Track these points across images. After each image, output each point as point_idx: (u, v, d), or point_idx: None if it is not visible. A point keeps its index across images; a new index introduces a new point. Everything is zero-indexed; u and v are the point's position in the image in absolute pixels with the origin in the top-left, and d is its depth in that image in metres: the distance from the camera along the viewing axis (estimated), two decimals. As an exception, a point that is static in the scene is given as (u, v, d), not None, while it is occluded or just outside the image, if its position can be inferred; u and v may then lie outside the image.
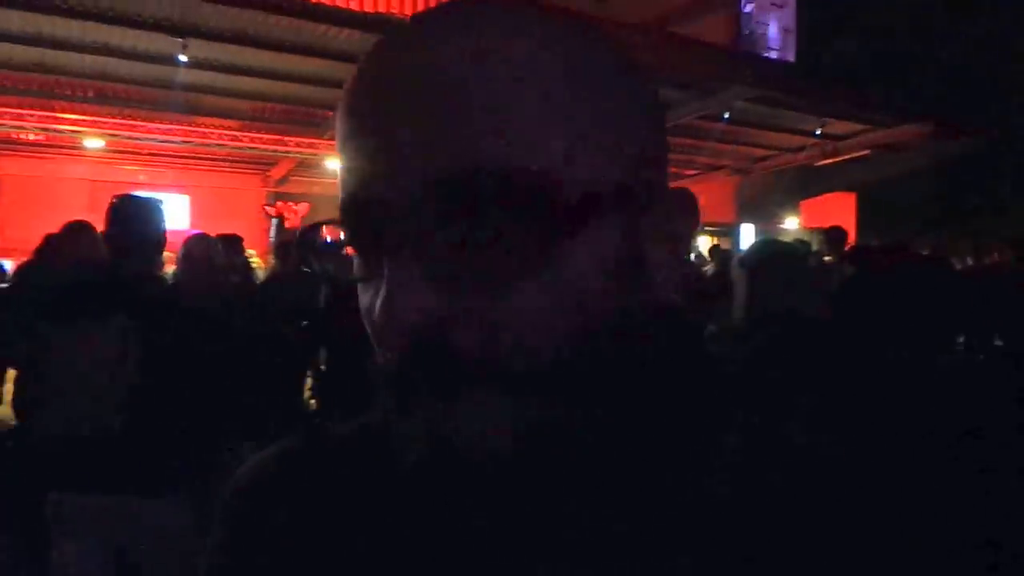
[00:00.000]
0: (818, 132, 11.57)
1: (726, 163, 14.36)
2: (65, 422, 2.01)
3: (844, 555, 0.36)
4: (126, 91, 9.38)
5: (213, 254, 3.15)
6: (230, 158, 12.98)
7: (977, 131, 12.37)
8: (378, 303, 0.36)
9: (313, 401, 4.75)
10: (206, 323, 2.26)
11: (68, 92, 9.38)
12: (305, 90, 8.79)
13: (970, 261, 7.89)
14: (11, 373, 3.08)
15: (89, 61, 8.14)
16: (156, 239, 2.20)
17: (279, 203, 14.16)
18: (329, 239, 0.42)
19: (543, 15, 0.38)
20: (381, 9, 6.44)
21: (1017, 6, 13.30)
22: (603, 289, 0.36)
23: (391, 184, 0.35)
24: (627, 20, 8.92)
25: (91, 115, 9.88)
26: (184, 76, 8.27)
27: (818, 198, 16.54)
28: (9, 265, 6.10)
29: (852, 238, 8.30)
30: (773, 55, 13.02)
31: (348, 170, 0.38)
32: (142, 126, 10.16)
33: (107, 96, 9.53)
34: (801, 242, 7.34)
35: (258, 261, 6.85)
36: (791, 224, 17.10)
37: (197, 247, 3.13)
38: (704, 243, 15.75)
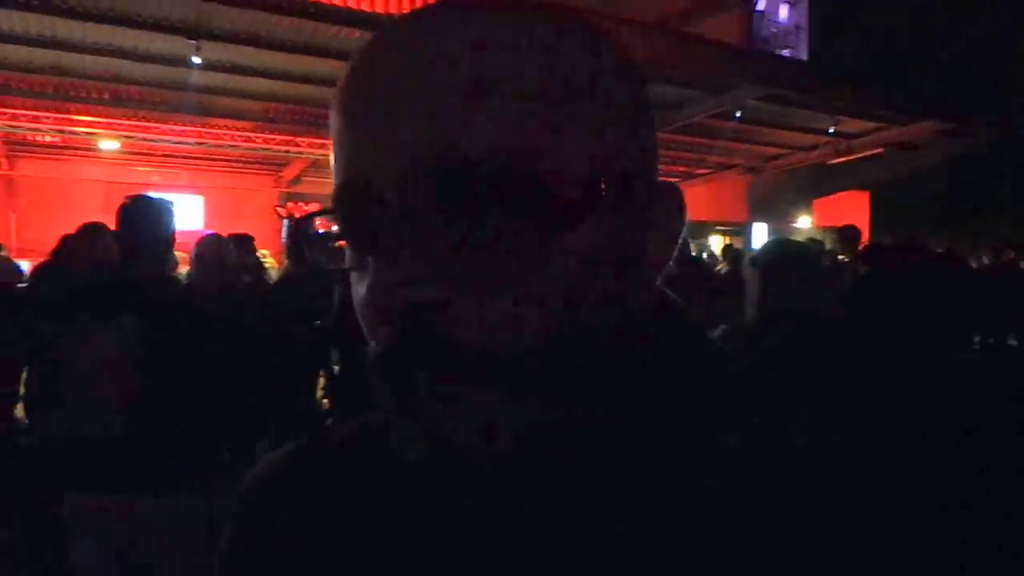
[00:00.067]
0: (831, 130, 11.50)
1: (738, 162, 14.29)
2: (74, 422, 2.03)
3: (844, 555, 0.35)
4: (140, 93, 9.47)
5: (225, 254, 3.18)
6: (243, 159, 13.08)
7: (990, 128, 12.24)
8: (366, 292, 0.36)
9: (326, 401, 4.77)
10: (216, 323, 2.28)
11: (83, 94, 9.48)
12: (317, 91, 8.82)
13: (986, 260, 7.81)
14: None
15: (104, 64, 8.22)
16: (166, 240, 2.21)
17: (290, 203, 14.24)
18: (322, 230, 0.42)
19: (536, 13, 0.38)
20: (392, 10, 6.47)
21: (1018, 6, 13.18)
22: (595, 285, 0.36)
23: (382, 175, 0.35)
24: (638, 18, 8.89)
25: (106, 117, 9.98)
26: (197, 78, 8.33)
27: (831, 197, 16.44)
28: (26, 266, 6.16)
29: (866, 237, 8.24)
30: (785, 53, 12.95)
31: (340, 162, 0.38)
32: (156, 128, 10.25)
33: (122, 98, 9.63)
34: (814, 241, 7.30)
35: (271, 261, 6.89)
36: (804, 223, 17.01)
37: (209, 247, 3.16)
38: (716, 242, 15.70)
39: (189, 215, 12.27)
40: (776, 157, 14.00)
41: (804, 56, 13.58)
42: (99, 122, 9.94)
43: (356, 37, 7.18)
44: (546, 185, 0.34)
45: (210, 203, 14.09)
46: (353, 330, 0.39)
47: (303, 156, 12.28)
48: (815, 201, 17.02)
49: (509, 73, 0.35)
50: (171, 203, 2.31)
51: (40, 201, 12.60)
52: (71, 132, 10.18)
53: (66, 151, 12.35)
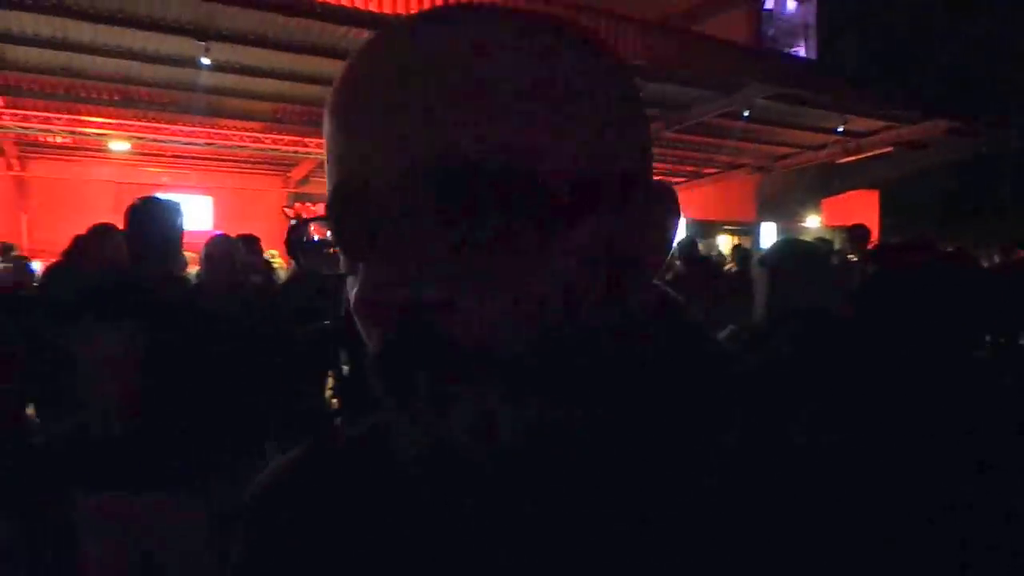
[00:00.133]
0: (840, 129, 11.43)
1: (746, 161, 14.23)
2: (84, 422, 2.05)
3: (844, 555, 0.35)
4: (150, 94, 9.51)
5: (234, 254, 3.19)
6: (252, 160, 13.12)
7: (999, 127, 12.14)
8: (362, 291, 0.36)
9: (335, 400, 4.79)
10: (224, 324, 2.29)
11: (94, 96, 9.54)
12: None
13: (997, 259, 7.75)
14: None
15: (114, 65, 8.27)
16: (175, 240, 2.23)
17: (297, 204, 14.28)
18: (316, 237, 0.43)
19: (534, 18, 0.38)
20: (400, 10, 6.48)
21: (1018, 7, 13.09)
22: (594, 284, 0.37)
23: (380, 176, 0.35)
24: (646, 17, 8.88)
25: (116, 118, 10.03)
26: (207, 79, 8.37)
27: (840, 196, 16.35)
28: (37, 266, 6.21)
29: (875, 236, 8.19)
30: (794, 52, 12.90)
31: (334, 165, 0.39)
32: (166, 129, 10.30)
33: (132, 99, 9.68)
34: (823, 240, 7.25)
35: (280, 262, 6.91)
36: (813, 222, 16.92)
37: (218, 248, 3.17)
38: (724, 242, 15.65)
39: (198, 216, 12.32)
40: (785, 156, 13.93)
41: (813, 55, 13.52)
42: (109, 123, 10.00)
43: (364, 37, 7.16)
44: (545, 185, 0.35)
45: (219, 203, 14.14)
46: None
47: (311, 156, 12.31)
48: (824, 200, 16.93)
49: (508, 74, 0.35)
50: (180, 204, 2.32)
51: (51, 201, 12.68)
52: (82, 133, 10.24)
53: (77, 152, 12.43)
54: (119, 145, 11.19)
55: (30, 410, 3.13)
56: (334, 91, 0.39)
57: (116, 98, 9.62)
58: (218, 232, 3.52)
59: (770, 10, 14.51)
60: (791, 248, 2.06)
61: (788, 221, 16.31)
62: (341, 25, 7.05)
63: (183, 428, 2.01)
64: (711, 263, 5.86)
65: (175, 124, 10.31)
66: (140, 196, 2.30)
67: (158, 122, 10.24)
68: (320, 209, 0.40)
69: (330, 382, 4.65)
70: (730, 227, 16.95)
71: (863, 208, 15.92)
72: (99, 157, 12.54)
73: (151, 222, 2.18)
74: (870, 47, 13.12)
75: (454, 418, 0.36)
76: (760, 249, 9.94)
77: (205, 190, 14.05)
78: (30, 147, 12.29)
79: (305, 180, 14.40)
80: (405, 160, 0.35)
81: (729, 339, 2.08)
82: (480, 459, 0.37)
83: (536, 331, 0.35)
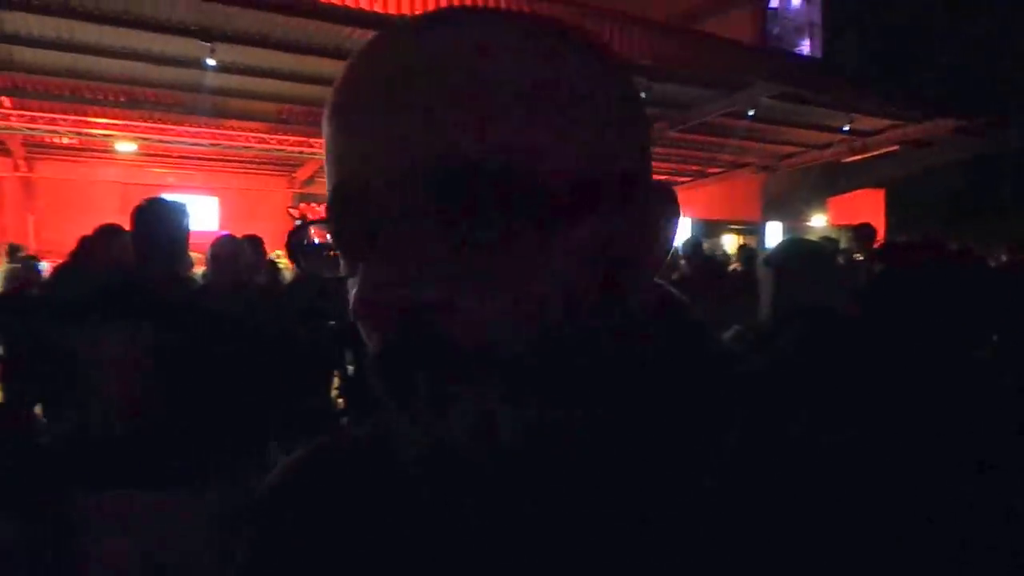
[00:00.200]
0: (846, 128, 11.39)
1: (751, 160, 14.20)
2: (90, 422, 2.06)
3: (845, 555, 0.35)
4: (156, 95, 9.55)
5: (240, 255, 3.20)
6: (257, 160, 13.16)
7: (1000, 126, 12.07)
8: (361, 292, 0.36)
9: (341, 400, 4.80)
10: (228, 324, 2.30)
11: (100, 97, 9.58)
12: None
13: (1004, 258, 7.71)
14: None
15: (119, 66, 8.30)
16: (180, 241, 2.24)
17: (302, 205, 14.32)
18: (316, 240, 0.43)
19: (535, 20, 0.39)
20: (404, 11, 6.49)
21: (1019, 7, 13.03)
22: (594, 284, 0.37)
23: (380, 176, 0.35)
24: (651, 17, 8.87)
25: (122, 119, 10.07)
26: (212, 80, 8.39)
27: (846, 195, 16.29)
28: (44, 266, 6.24)
29: (881, 235, 8.16)
30: (799, 50, 12.86)
31: (334, 166, 0.39)
32: (172, 129, 10.34)
33: (138, 100, 9.72)
34: (828, 240, 7.24)
35: (285, 262, 6.93)
36: (818, 221, 16.87)
37: (224, 248, 3.18)
38: (729, 241, 15.62)
39: (204, 216, 12.36)
40: (790, 156, 13.90)
41: (818, 52, 13.49)
42: (115, 124, 10.04)
43: (369, 38, 7.21)
44: (545, 186, 0.35)
45: (224, 204, 14.18)
46: (366, 330, 0.39)
47: (316, 157, 12.32)
48: (830, 199, 16.87)
49: (509, 75, 0.35)
50: (185, 205, 2.33)
51: (58, 202, 12.74)
52: (88, 134, 10.28)
53: (83, 153, 12.48)
54: (125, 146, 11.24)
55: (37, 409, 3.15)
56: (334, 92, 0.39)
57: (122, 99, 9.66)
58: (224, 233, 3.53)
59: (775, 8, 14.48)
60: (796, 248, 2.06)
61: (793, 220, 16.27)
62: (346, 26, 7.06)
63: (186, 428, 2.02)
64: (716, 263, 5.85)
65: (181, 125, 10.34)
66: (146, 197, 2.31)
67: (164, 123, 10.27)
68: (324, 211, 0.40)
69: (336, 382, 4.66)
70: (735, 227, 16.92)
71: (869, 207, 15.87)
72: (105, 158, 12.59)
73: (157, 223, 2.18)
74: (875, 46, 13.08)
75: (454, 418, 0.36)
76: (765, 249, 9.92)
77: (210, 191, 14.09)
78: (37, 148, 12.35)
79: (310, 180, 14.43)
80: (405, 160, 0.35)
81: (734, 339, 2.08)
82: (480, 459, 0.37)
83: (536, 331, 0.35)
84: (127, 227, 2.29)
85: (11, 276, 6.15)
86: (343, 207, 0.38)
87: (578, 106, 0.37)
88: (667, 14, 10.25)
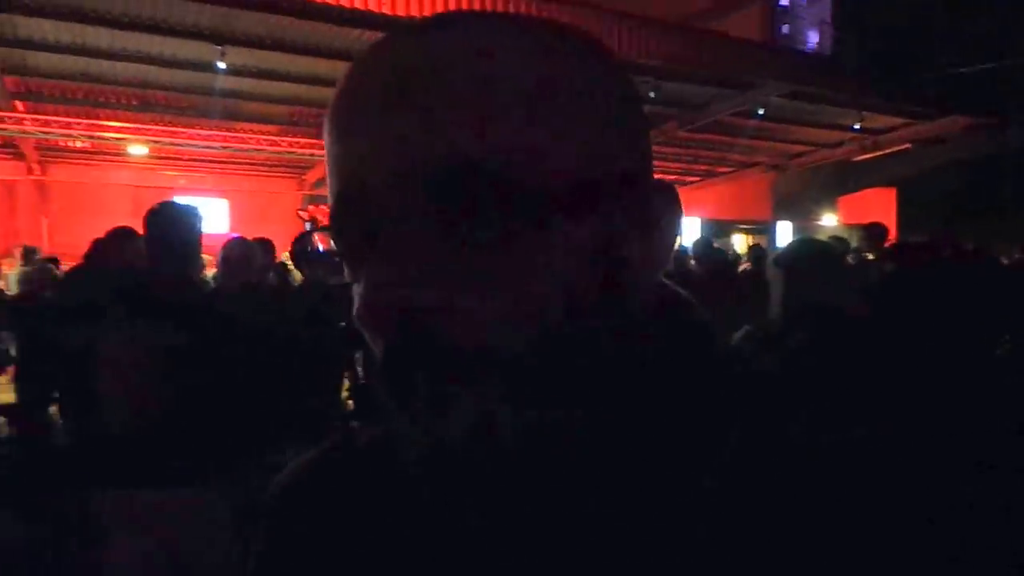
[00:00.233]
0: (857, 127, 11.32)
1: (761, 160, 14.14)
2: (104, 422, 2.08)
3: (845, 557, 0.35)
4: (167, 98, 9.62)
5: (250, 258, 3.22)
6: (267, 162, 13.22)
7: (1001, 127, 11.94)
8: (363, 295, 0.37)
9: (351, 402, 4.81)
10: (240, 326, 2.32)
11: (112, 100, 9.66)
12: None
13: (1017, 255, 7.64)
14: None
15: (132, 70, 8.37)
16: (193, 244, 2.26)
17: (311, 207, 14.37)
18: (321, 247, 0.43)
19: (536, 22, 0.39)
20: (414, 12, 6.51)
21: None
22: (594, 284, 0.37)
23: (379, 177, 0.36)
24: (661, 17, 8.85)
25: (134, 123, 10.16)
26: (223, 83, 8.44)
27: (857, 194, 16.19)
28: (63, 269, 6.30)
29: (893, 234, 8.10)
30: (807, 43, 12.79)
31: (336, 173, 0.39)
32: (183, 132, 10.41)
33: (150, 104, 9.80)
34: (839, 239, 7.19)
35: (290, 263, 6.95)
36: (829, 221, 16.77)
37: (235, 251, 3.20)
38: (739, 241, 15.55)
39: (215, 218, 12.43)
40: (800, 155, 13.82)
41: (828, 51, 13.41)
42: (128, 127, 10.12)
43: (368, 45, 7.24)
44: (545, 186, 0.35)
45: (235, 206, 14.26)
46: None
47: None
48: (841, 198, 16.76)
49: (507, 76, 0.36)
50: (198, 208, 2.35)
51: (71, 205, 12.86)
52: (101, 137, 10.36)
53: (96, 156, 12.58)
54: (137, 149, 11.33)
55: (53, 409, 3.18)
56: (334, 99, 0.39)
57: (134, 103, 9.74)
58: (234, 235, 3.56)
59: (785, 6, 14.41)
60: (806, 248, 2.05)
61: (804, 220, 16.17)
62: (355, 28, 7.09)
63: (197, 427, 2.03)
64: (726, 263, 5.82)
65: (192, 128, 10.41)
66: (159, 200, 2.33)
67: (175, 126, 10.35)
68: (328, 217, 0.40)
69: (347, 384, 4.68)
70: (745, 226, 16.84)
71: (880, 206, 15.76)
72: (118, 161, 12.69)
73: (170, 226, 2.20)
74: (886, 43, 12.97)
75: (454, 419, 0.36)
76: (776, 248, 9.86)
77: (221, 193, 14.17)
78: (51, 151, 12.47)
79: (320, 182, 14.47)
80: (404, 160, 0.35)
81: (744, 339, 2.07)
82: (480, 459, 0.37)
83: (536, 331, 0.35)
84: (139, 230, 2.31)
85: (25, 279, 6.22)
86: (344, 209, 0.38)
87: (578, 106, 0.37)
88: (677, 14, 10.22)
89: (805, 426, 0.40)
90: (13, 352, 5.18)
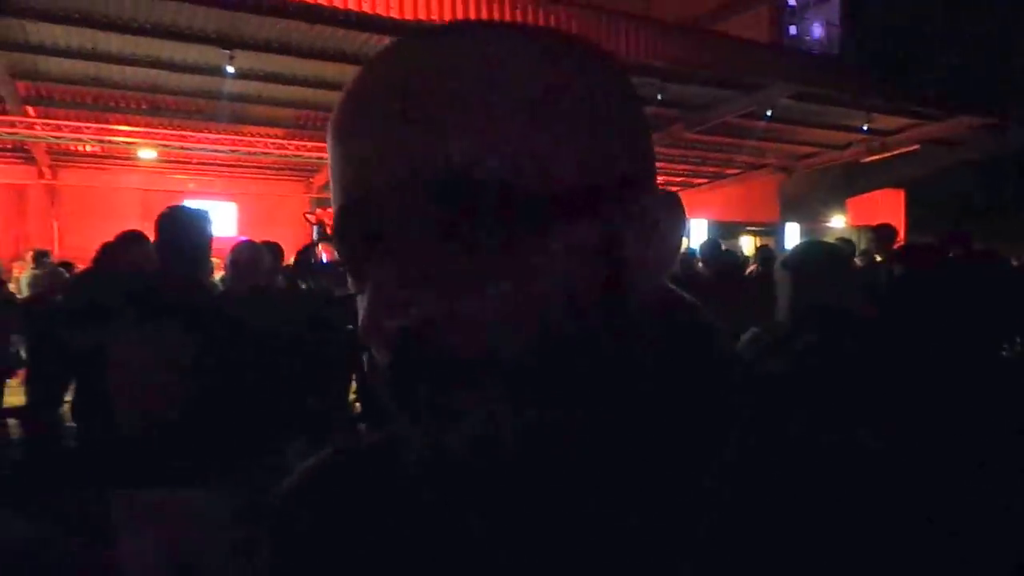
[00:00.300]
0: (865, 128, 11.27)
1: (769, 161, 14.09)
2: (115, 423, 2.10)
3: (845, 557, 0.35)
4: (176, 103, 9.68)
5: (259, 261, 3.24)
6: (275, 166, 13.28)
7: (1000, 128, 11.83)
8: (364, 312, 0.37)
9: (358, 404, 4.82)
10: (248, 328, 2.33)
11: (122, 105, 9.73)
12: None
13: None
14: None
15: (141, 74, 8.42)
16: (202, 248, 2.28)
17: (319, 210, 14.41)
18: (325, 258, 0.43)
19: (536, 31, 0.39)
20: (421, 16, 6.52)
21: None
22: (594, 289, 0.37)
23: (380, 186, 0.36)
24: (668, 18, 8.84)
25: (144, 127, 10.22)
26: (231, 87, 8.49)
27: (865, 195, 16.12)
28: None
29: (902, 235, 8.06)
30: (816, 50, 12.75)
31: (338, 183, 0.39)
32: (192, 136, 10.46)
33: (159, 108, 9.86)
34: (846, 241, 7.15)
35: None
36: (837, 222, 16.71)
37: (243, 254, 3.22)
38: (747, 243, 15.50)
39: (223, 222, 12.49)
40: (808, 156, 13.77)
41: (835, 52, 13.36)
42: (137, 131, 10.18)
43: (386, 44, 7.25)
44: (548, 192, 0.35)
45: (243, 209, 14.31)
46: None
47: (333, 162, 12.39)
48: (849, 200, 16.69)
49: (512, 85, 0.36)
50: (208, 212, 2.37)
51: (81, 209, 12.94)
52: (110, 142, 10.43)
53: (106, 160, 12.67)
54: (146, 153, 11.39)
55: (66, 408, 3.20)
56: (338, 106, 0.40)
57: (144, 107, 9.80)
58: (243, 239, 3.57)
59: (793, 7, 14.37)
60: (813, 250, 2.05)
61: (812, 221, 16.11)
62: (363, 32, 7.12)
63: (205, 427, 2.05)
64: (734, 265, 5.80)
65: (201, 132, 10.46)
66: (170, 204, 2.35)
67: (184, 130, 10.40)
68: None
69: (354, 386, 4.69)
70: (753, 228, 16.79)
71: (889, 207, 15.69)
72: (127, 165, 12.77)
73: (181, 230, 2.23)
74: (895, 43, 12.92)
75: (455, 422, 0.36)
76: (784, 250, 9.82)
77: (229, 196, 14.22)
78: (61, 156, 12.55)
79: (328, 186, 14.41)
80: (406, 167, 0.35)
81: (751, 341, 2.07)
82: (481, 463, 0.37)
83: (538, 334, 0.36)
84: (148, 233, 2.33)
85: (35, 282, 6.27)
86: (347, 213, 0.38)
87: (580, 113, 0.37)
88: (684, 15, 10.21)
89: (808, 427, 0.40)
90: (24, 355, 5.22)
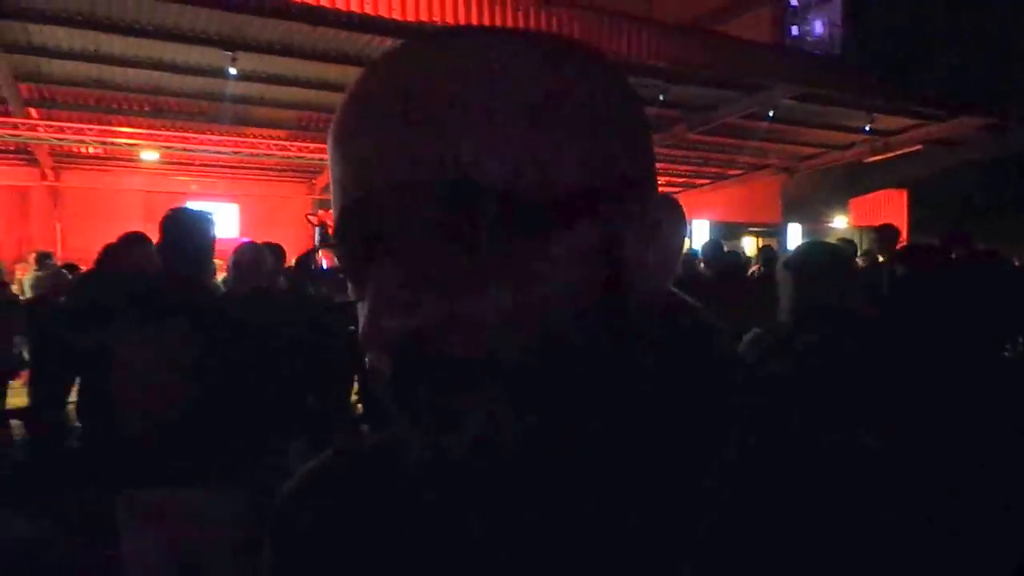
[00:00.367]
0: (867, 128, 11.25)
1: (771, 162, 14.08)
2: (120, 422, 2.10)
3: (845, 558, 0.35)
4: (179, 104, 9.71)
5: (262, 262, 3.24)
6: (277, 167, 13.30)
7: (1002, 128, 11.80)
8: (365, 313, 0.37)
9: (360, 405, 4.83)
10: (250, 330, 2.34)
11: (124, 107, 9.75)
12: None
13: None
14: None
15: (144, 76, 8.45)
16: (205, 249, 2.31)
17: (321, 211, 14.42)
18: (325, 264, 0.43)
19: (535, 36, 0.39)
20: (423, 18, 6.53)
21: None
22: (594, 293, 0.37)
23: (374, 189, 0.36)
24: (669, 19, 8.84)
25: (146, 128, 10.24)
26: (233, 88, 8.51)
27: (868, 196, 16.10)
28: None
29: (904, 236, 8.04)
30: (819, 50, 12.73)
31: (339, 188, 0.39)
32: (194, 138, 10.48)
33: (161, 110, 9.88)
34: (847, 242, 7.15)
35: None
36: (840, 223, 16.69)
37: (246, 256, 3.23)
38: (749, 244, 15.49)
39: (225, 223, 12.51)
40: (811, 157, 13.76)
41: (838, 53, 13.34)
42: (140, 133, 10.21)
43: (388, 45, 7.28)
44: (548, 196, 0.36)
45: (245, 211, 14.34)
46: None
47: (336, 163, 12.40)
48: (852, 200, 16.67)
49: (514, 90, 0.36)
50: (212, 214, 2.41)
51: (84, 211, 12.98)
52: (113, 143, 10.46)
53: (108, 162, 12.70)
54: (149, 155, 11.42)
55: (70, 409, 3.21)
56: (340, 110, 0.40)
57: (146, 109, 9.83)
58: (245, 240, 3.58)
59: (795, 7, 14.36)
60: (815, 251, 2.05)
61: (814, 222, 16.10)
62: (365, 34, 7.13)
63: (208, 428, 2.06)
64: (736, 265, 5.79)
65: (203, 133, 10.48)
66: (173, 207, 2.38)
67: (186, 131, 10.43)
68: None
69: (356, 387, 4.69)
70: (755, 229, 16.77)
71: (892, 208, 15.66)
72: (130, 167, 12.80)
73: (185, 232, 2.26)
74: (897, 44, 12.89)
75: (456, 424, 0.36)
76: (786, 251, 9.81)
77: (232, 198, 14.25)
78: (64, 157, 12.59)
79: (329, 187, 14.52)
80: (407, 169, 0.35)
81: (753, 342, 2.07)
82: (482, 466, 0.38)
83: (537, 338, 0.36)
84: (151, 234, 2.35)
85: (38, 283, 6.28)
86: (348, 216, 0.38)
87: (579, 116, 0.37)
88: (686, 16, 10.21)
89: (808, 427, 0.40)
90: (26, 356, 5.24)
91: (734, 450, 0.38)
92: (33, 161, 12.52)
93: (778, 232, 15.82)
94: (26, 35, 7.23)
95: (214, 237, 2.33)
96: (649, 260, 0.40)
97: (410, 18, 6.50)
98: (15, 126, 9.62)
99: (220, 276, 4.90)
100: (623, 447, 0.39)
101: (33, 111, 9.76)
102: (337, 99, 0.41)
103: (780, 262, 2.11)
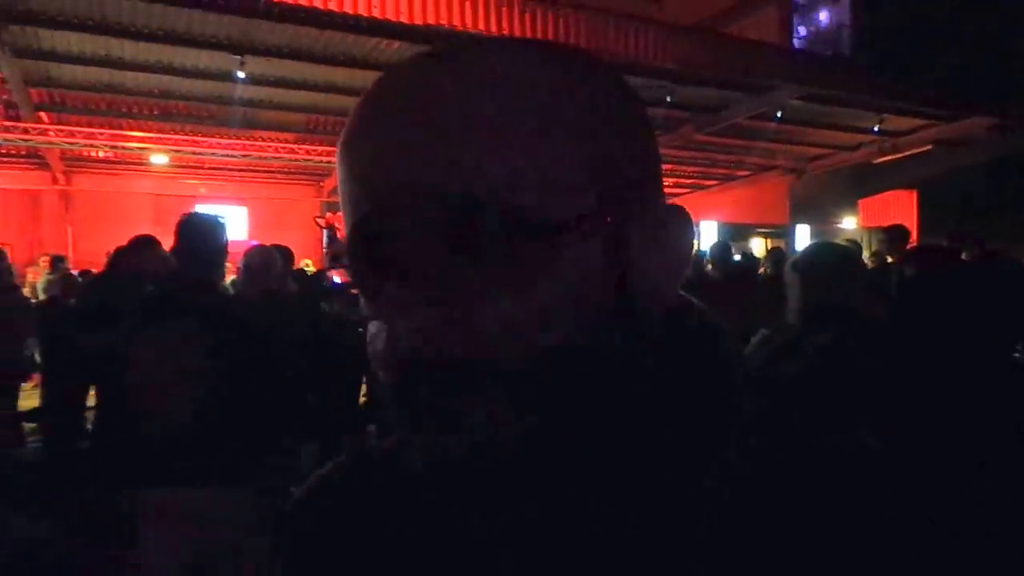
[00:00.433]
0: (876, 128, 11.19)
1: (780, 163, 14.03)
2: (134, 423, 2.12)
3: (845, 558, 0.35)
4: (188, 108, 9.76)
5: (271, 265, 3.26)
6: (286, 170, 13.35)
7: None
8: (377, 331, 0.38)
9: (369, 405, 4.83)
10: (261, 331, 2.37)
11: (134, 111, 9.82)
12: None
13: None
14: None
15: (153, 80, 8.50)
16: (218, 253, 2.37)
17: (329, 214, 14.46)
18: (337, 280, 0.44)
19: (538, 51, 0.40)
20: (431, 21, 6.54)
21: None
22: (598, 301, 0.37)
23: (389, 209, 0.37)
24: (677, 20, 8.83)
25: (156, 132, 10.31)
26: (242, 92, 8.56)
27: (877, 196, 16.00)
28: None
29: (914, 236, 7.99)
30: (826, 51, 12.68)
31: (349, 205, 0.40)
32: (204, 141, 10.54)
33: (170, 114, 9.95)
34: (854, 243, 7.11)
35: (313, 270, 7.02)
36: (849, 224, 16.60)
37: (256, 258, 3.24)
38: (757, 245, 15.43)
39: (234, 226, 12.56)
40: (819, 157, 13.70)
41: (846, 53, 13.28)
42: (149, 137, 10.27)
43: (395, 48, 7.31)
44: (556, 206, 0.36)
45: (253, 213, 14.41)
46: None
47: (343, 166, 12.43)
48: (861, 201, 16.57)
49: (513, 101, 0.37)
50: (223, 218, 2.47)
51: (94, 214, 13.07)
52: (123, 147, 10.53)
53: (118, 166, 12.79)
54: (158, 158, 11.49)
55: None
56: (345, 130, 0.41)
57: (156, 112, 9.90)
58: (255, 243, 3.60)
59: (804, 6, 14.28)
60: (823, 251, 2.04)
61: (823, 223, 16.01)
62: (372, 37, 7.15)
63: (223, 428, 2.07)
64: (744, 266, 5.78)
65: (212, 137, 10.54)
66: (180, 209, 2.42)
67: (196, 135, 10.49)
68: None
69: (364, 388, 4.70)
70: (763, 230, 16.70)
71: (901, 208, 15.57)
72: (140, 170, 12.89)
73: (198, 235, 2.31)
74: (906, 44, 12.82)
75: (457, 427, 0.37)
76: (794, 252, 9.76)
77: (240, 200, 14.32)
78: (74, 161, 12.69)
79: (338, 190, 14.56)
80: (415, 182, 0.36)
81: (762, 343, 2.06)
82: (484, 465, 0.38)
83: (541, 343, 0.36)
84: (161, 237, 2.38)
85: (51, 287, 6.32)
86: (358, 230, 0.39)
87: (580, 122, 0.38)
88: (693, 16, 10.18)
89: (809, 427, 0.40)
90: (38, 358, 5.27)
91: (734, 450, 0.39)
92: (44, 165, 12.62)
93: (786, 233, 15.75)
94: (37, 40, 7.29)
95: (226, 241, 2.39)
96: (654, 262, 0.40)
97: (417, 21, 6.51)
98: (26, 130, 9.70)
99: (229, 278, 4.93)
100: (623, 447, 0.39)
101: (44, 115, 9.84)
102: (345, 102, 0.42)
103: (788, 263, 2.10)
